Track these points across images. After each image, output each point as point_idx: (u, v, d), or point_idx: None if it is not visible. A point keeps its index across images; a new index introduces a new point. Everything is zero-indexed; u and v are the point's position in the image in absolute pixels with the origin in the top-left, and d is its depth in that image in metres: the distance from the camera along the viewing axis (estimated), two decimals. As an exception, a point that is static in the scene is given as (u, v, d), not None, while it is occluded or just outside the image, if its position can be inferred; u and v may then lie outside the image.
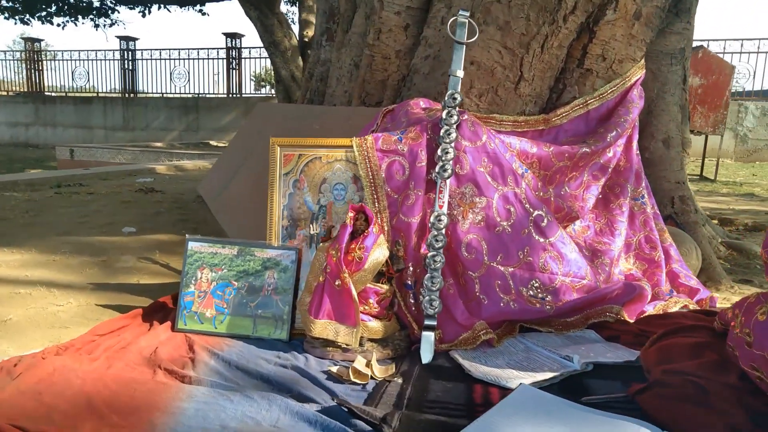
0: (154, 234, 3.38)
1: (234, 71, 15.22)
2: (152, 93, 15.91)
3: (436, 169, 1.85)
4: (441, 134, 1.87)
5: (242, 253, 1.88)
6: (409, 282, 1.82)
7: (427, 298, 1.73)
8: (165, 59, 15.52)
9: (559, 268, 1.92)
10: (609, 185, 2.55)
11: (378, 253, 1.69)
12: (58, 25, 14.44)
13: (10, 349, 1.72)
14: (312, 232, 1.84)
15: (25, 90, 16.40)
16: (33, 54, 16.34)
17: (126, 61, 15.68)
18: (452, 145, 1.86)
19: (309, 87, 4.11)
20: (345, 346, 1.68)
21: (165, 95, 15.57)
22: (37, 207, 4.02)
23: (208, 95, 15.39)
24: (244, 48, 15.17)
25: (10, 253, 2.79)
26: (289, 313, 1.83)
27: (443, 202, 1.82)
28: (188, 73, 15.38)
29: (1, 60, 16.80)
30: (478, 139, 1.94)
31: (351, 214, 1.70)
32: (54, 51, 17.62)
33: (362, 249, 1.67)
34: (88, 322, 1.97)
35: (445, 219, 1.79)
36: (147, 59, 15.70)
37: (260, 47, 14.77)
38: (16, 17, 13.77)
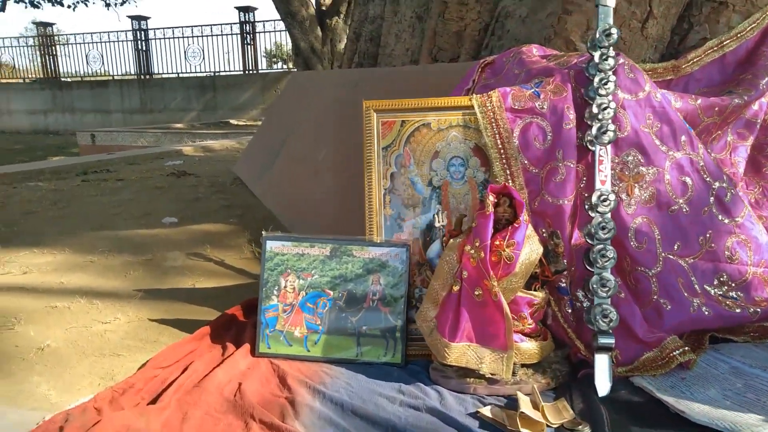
0: (198, 224, 2.97)
1: (249, 46, 14.68)
2: (168, 73, 15.47)
3: (593, 131, 1.38)
4: (595, 84, 1.39)
5: (337, 254, 1.45)
6: (563, 284, 1.38)
7: (598, 308, 1.29)
8: (178, 38, 15.02)
9: (748, 257, 1.46)
10: (756, 146, 2.04)
11: (529, 249, 1.24)
12: (69, 6, 14.02)
13: (51, 392, 1.32)
14: (437, 224, 1.39)
15: (41, 76, 16.06)
16: (46, 39, 15.95)
17: (139, 42, 15.22)
18: (610, 98, 1.39)
19: (356, 49, 3.63)
20: (491, 375, 1.25)
21: (181, 75, 15.13)
22: (66, 197, 3.64)
23: (224, 73, 14.92)
24: (258, 22, 14.60)
25: (41, 254, 2.41)
26: (402, 330, 1.41)
27: (605, 177, 1.36)
28: (203, 51, 14.89)
29: (16, 47, 16.45)
30: (640, 90, 1.46)
31: (492, 199, 1.25)
32: (66, 35, 17.23)
33: (512, 245, 1.22)
34: (144, 346, 1.57)
35: (612, 199, 1.33)
36: (160, 38, 15.22)
37: (275, 20, 14.19)
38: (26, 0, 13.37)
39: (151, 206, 3.37)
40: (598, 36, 1.41)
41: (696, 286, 1.40)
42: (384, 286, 1.43)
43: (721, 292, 1.42)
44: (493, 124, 1.43)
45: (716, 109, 1.80)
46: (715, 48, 2.11)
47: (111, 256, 2.38)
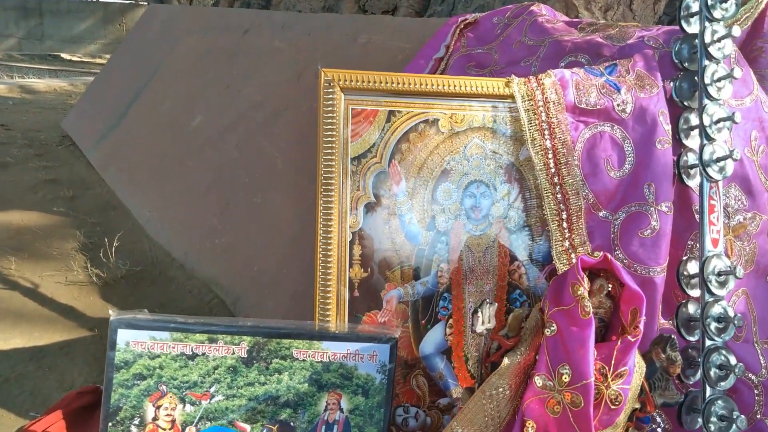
0: (1, 211, 2.02)
1: (89, -32, 12.41)
2: (-23, -13, 12.58)
3: (704, 157, 0.84)
4: (706, 80, 0.86)
5: (260, 355, 0.77)
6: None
7: (718, 459, 0.78)
8: (-7, -56, 12.19)
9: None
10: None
11: (638, 368, 0.69)
12: None
13: None
14: (480, 327, 0.75)
15: None
16: None
17: (-64, -59, 12.09)
18: (724, 106, 0.87)
19: (241, -17, 2.79)
20: None
21: (-4, -9, 12.37)
22: None
23: (55, -5, 12.48)
24: (103, -62, 12.35)
25: None
26: (378, 488, 0.79)
27: (719, 233, 0.84)
28: (27, -35, 12.27)
29: None
30: (748, 93, 0.96)
31: (585, 285, 0.66)
32: None
33: (621, 377, 0.65)
34: None
35: (740, 275, 0.82)
36: (-33, -59, 12.23)
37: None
38: None
39: (-74, 177, 2.29)
40: (710, 1, 0.87)
41: (793, 390, 0.96)
42: (348, 413, 0.79)
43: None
44: (545, 132, 0.83)
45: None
46: (713, 36, 1.71)
47: None
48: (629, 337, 0.66)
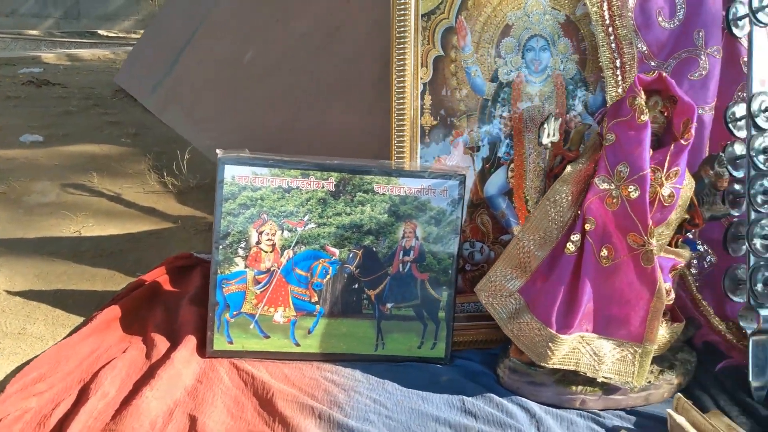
0: (73, 144, 2.18)
1: (121, -57, 12.56)
2: (16, -31, 12.89)
3: (754, 2, 0.90)
4: (752, -70, 0.90)
5: (346, 188, 0.88)
6: (691, 234, 0.93)
7: (758, 272, 0.85)
8: (29, -77, 12.45)
9: None
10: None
11: (688, 181, 0.77)
12: None
13: None
14: (546, 139, 0.83)
15: None
16: None
17: (-24, -76, 12.42)
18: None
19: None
20: (607, 380, 0.79)
21: (34, -29, 12.67)
22: None
23: (90, -28, 12.69)
24: None
25: None
26: (449, 307, 0.90)
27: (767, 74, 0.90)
28: (62, -57, 12.51)
29: None
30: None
31: (641, 96, 0.74)
32: None
33: (673, 176, 0.74)
34: (2, 343, 0.92)
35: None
36: None
37: None
38: None
39: (3, 120, 2.47)
40: None
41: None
42: (423, 241, 0.89)
43: None
44: (599, -16, 0.90)
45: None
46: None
47: (-61, 186, 1.59)
48: (681, 141, 0.73)
